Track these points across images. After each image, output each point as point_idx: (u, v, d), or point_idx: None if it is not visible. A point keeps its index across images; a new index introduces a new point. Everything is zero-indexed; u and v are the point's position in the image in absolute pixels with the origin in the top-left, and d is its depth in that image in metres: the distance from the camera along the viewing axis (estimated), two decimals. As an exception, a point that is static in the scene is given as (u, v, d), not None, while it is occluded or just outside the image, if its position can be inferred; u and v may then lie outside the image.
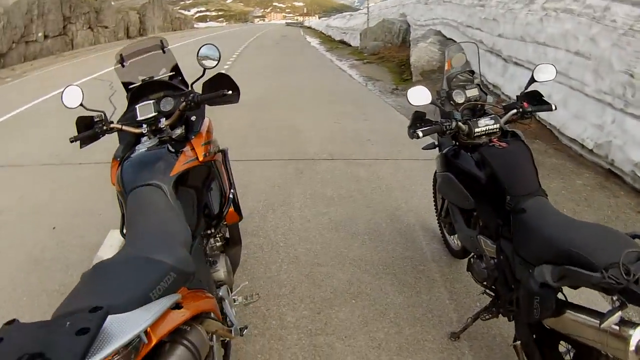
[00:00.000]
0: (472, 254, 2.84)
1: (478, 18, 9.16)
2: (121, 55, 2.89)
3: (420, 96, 2.61)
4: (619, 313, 1.73)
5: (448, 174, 2.80)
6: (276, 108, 8.57)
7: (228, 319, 2.40)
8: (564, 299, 2.05)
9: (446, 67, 3.03)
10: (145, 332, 1.41)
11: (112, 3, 36.68)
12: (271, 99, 9.36)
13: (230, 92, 2.63)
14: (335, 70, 11.89)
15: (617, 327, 1.72)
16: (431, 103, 2.67)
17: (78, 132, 2.62)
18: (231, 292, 2.79)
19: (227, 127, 7.37)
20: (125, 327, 1.33)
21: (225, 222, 2.88)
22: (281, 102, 9.08)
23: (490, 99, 2.90)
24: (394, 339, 2.88)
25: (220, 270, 2.64)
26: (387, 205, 4.39)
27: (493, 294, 2.63)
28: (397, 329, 2.96)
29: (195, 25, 51.54)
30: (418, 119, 2.57)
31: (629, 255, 1.70)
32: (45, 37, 23.81)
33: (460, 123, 2.58)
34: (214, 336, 2.15)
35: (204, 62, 2.73)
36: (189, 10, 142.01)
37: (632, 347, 1.66)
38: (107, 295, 1.52)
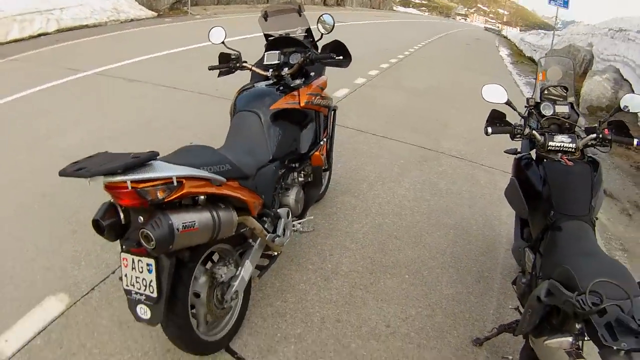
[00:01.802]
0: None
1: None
2: (266, 11, 3.43)
3: (495, 93, 2.58)
4: (569, 339, 1.63)
5: (514, 179, 2.72)
6: (435, 99, 8.48)
7: (276, 232, 2.72)
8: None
9: (540, 78, 2.87)
10: (179, 180, 1.82)
11: None
12: (433, 90, 9.26)
13: (340, 57, 3.03)
14: (509, 81, 11.23)
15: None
16: (505, 103, 2.59)
17: (219, 63, 3.20)
18: (296, 219, 3.08)
19: (381, 103, 7.57)
20: (165, 169, 1.81)
21: (310, 163, 3.18)
22: (442, 95, 8.94)
23: (582, 120, 2.68)
24: (422, 320, 2.89)
25: (290, 197, 2.99)
26: (488, 211, 4.23)
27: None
28: (430, 312, 2.95)
29: (394, 8, 50.88)
30: (496, 118, 2.52)
31: (607, 286, 1.56)
32: None
33: (535, 132, 2.50)
34: (258, 240, 2.56)
35: (320, 26, 3.22)
36: None
37: None
38: (175, 156, 2.06)
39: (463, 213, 4.19)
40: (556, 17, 17.78)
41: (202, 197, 2.01)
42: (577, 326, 1.65)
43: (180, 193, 1.84)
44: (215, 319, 2.46)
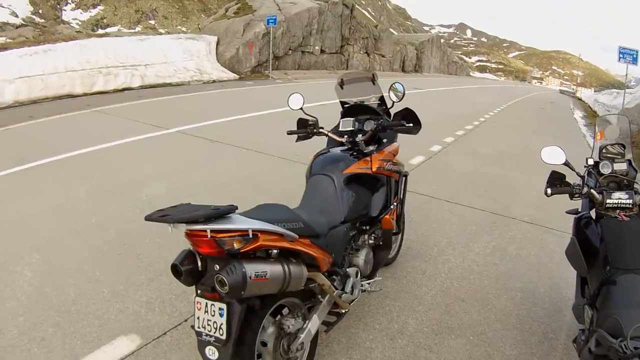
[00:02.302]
0: None
1: None
2: (342, 79, 3.75)
3: (553, 155, 2.73)
4: None
5: (574, 238, 2.82)
6: (507, 165, 8.52)
7: (344, 290, 2.94)
8: None
9: (598, 137, 2.98)
10: (255, 233, 2.11)
11: (394, 33, 35.77)
12: (505, 155, 9.27)
13: (410, 124, 3.31)
14: (582, 144, 10.88)
15: None
16: (564, 164, 2.73)
17: (297, 129, 3.54)
18: (365, 280, 3.31)
19: (454, 170, 7.74)
20: (243, 222, 2.11)
21: (380, 226, 3.42)
22: (514, 160, 8.96)
23: None
24: (485, 378, 3.00)
25: (359, 257, 3.23)
26: (555, 274, 4.28)
27: None
28: (493, 372, 3.06)
29: (471, 73, 50.35)
30: (556, 178, 2.68)
31: None
32: (322, 51, 24.85)
33: (593, 190, 2.61)
34: (326, 296, 2.79)
35: (392, 94, 3.50)
36: (470, 57, 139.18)
37: None
38: (252, 212, 2.37)
39: (530, 276, 4.27)
40: (626, 75, 17.26)
41: (275, 250, 2.24)
42: None
43: (255, 245, 2.08)
44: None
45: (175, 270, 2.09)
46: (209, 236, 1.96)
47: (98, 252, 4.13)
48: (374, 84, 3.72)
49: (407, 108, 3.41)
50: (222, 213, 2.03)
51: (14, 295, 3.40)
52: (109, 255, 4.09)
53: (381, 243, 3.49)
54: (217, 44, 19.38)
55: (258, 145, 8.07)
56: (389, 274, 4.22)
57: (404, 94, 3.51)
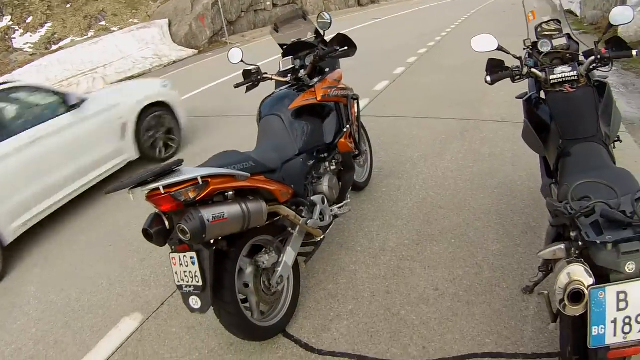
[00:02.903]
0: None
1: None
2: (275, 23, 3.74)
3: (485, 43, 2.58)
4: (561, 246, 1.67)
5: (526, 120, 2.71)
6: (473, 72, 8.25)
7: (314, 218, 2.90)
8: None
9: (531, 18, 2.83)
10: (204, 179, 2.10)
11: None
12: (470, 64, 9.01)
13: (345, 47, 3.24)
14: None
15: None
16: (497, 49, 2.57)
17: (244, 80, 3.48)
18: (334, 205, 3.26)
19: (420, 87, 7.54)
20: (191, 172, 2.09)
21: (338, 151, 3.35)
22: (480, 67, 8.66)
23: (584, 48, 2.62)
24: (470, 278, 2.93)
25: (323, 185, 3.17)
26: (532, 164, 4.10)
27: None
28: (478, 270, 2.98)
29: None
30: (494, 66, 2.54)
31: (597, 189, 1.59)
32: (274, 5, 23.99)
33: (534, 70, 2.49)
34: (297, 227, 2.78)
35: (320, 24, 3.45)
36: None
37: (558, 284, 1.58)
38: (202, 164, 2.39)
39: (506, 172, 4.14)
40: None
41: (230, 192, 2.30)
42: (572, 234, 1.66)
43: (208, 190, 2.12)
44: (268, 305, 2.67)
45: (146, 234, 2.15)
46: (162, 192, 2.00)
47: (91, 249, 4.18)
48: (305, 19, 3.73)
49: (339, 33, 3.33)
50: (169, 167, 2.05)
51: (23, 312, 3.47)
52: (101, 248, 4.14)
53: (342, 167, 3.45)
54: (170, 25, 19.11)
55: (225, 110, 7.96)
56: (364, 197, 4.10)
57: (330, 21, 3.45)
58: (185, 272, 2.19)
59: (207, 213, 2.08)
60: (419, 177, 4.31)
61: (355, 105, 3.69)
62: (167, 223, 2.18)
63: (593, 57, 2.40)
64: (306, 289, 3.04)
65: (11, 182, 4.14)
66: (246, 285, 2.48)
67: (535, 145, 2.64)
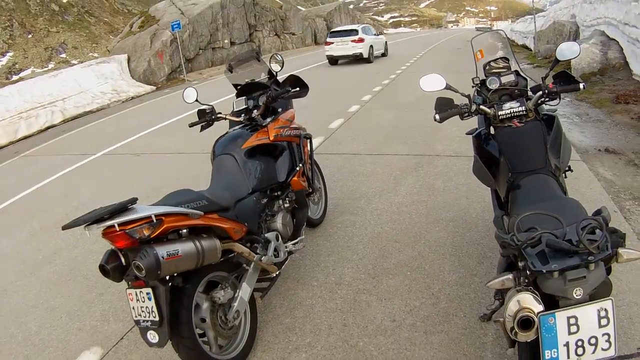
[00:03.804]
0: None
1: (634, 14, 8.05)
2: (229, 64, 3.82)
3: (433, 83, 2.69)
4: (509, 276, 1.71)
5: (476, 155, 2.79)
6: (427, 108, 8.53)
7: (268, 255, 2.89)
8: None
9: (479, 57, 2.95)
10: (158, 217, 2.14)
11: (301, 9, 35.71)
12: (424, 100, 9.32)
13: (296, 89, 3.38)
14: None
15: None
16: (445, 88, 2.68)
17: (198, 119, 3.53)
18: (289, 241, 3.27)
19: (374, 125, 7.69)
20: (145, 210, 2.13)
21: (291, 189, 3.40)
22: (431, 101, 8.96)
23: (531, 83, 2.75)
24: (427, 308, 2.93)
25: (277, 222, 3.20)
26: (486, 198, 4.18)
27: None
28: (435, 300, 2.99)
29: (384, 31, 51.01)
30: (442, 104, 2.62)
31: (543, 220, 1.65)
32: (232, 43, 24.61)
33: (483, 107, 2.59)
34: (251, 264, 2.79)
35: (273, 65, 3.54)
36: (382, 16, 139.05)
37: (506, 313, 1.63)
38: (156, 202, 2.42)
39: (461, 205, 4.23)
40: (532, 1, 17.85)
41: (184, 230, 2.33)
42: (521, 264, 1.70)
43: (162, 228, 2.16)
44: (226, 339, 2.64)
45: (103, 269, 2.15)
46: (117, 229, 2.04)
47: (49, 283, 4.06)
48: (258, 60, 3.86)
49: (291, 75, 3.48)
50: (124, 205, 2.09)
51: None
52: (59, 283, 4.04)
53: (296, 205, 3.49)
54: (128, 61, 19.25)
55: (180, 148, 7.92)
56: (319, 233, 4.09)
57: (283, 62, 3.55)
58: (142, 307, 2.19)
59: (162, 250, 2.10)
60: (373, 213, 4.34)
61: (308, 144, 3.77)
62: (123, 259, 2.18)
63: (540, 92, 2.52)
64: (264, 323, 2.98)
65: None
66: (203, 320, 2.48)
67: (486, 179, 2.71)
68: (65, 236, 4.75)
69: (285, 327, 2.94)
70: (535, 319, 1.59)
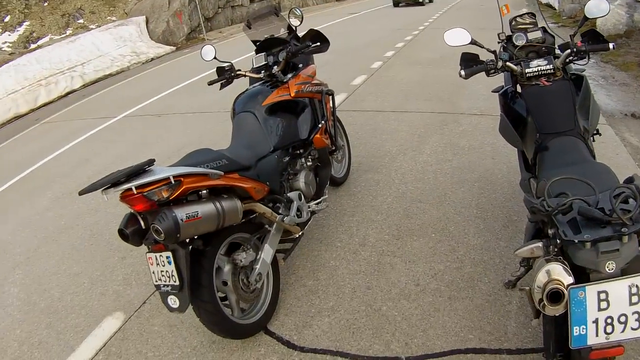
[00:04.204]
0: None
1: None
2: (248, 20, 3.69)
3: (457, 37, 2.55)
4: (538, 244, 1.62)
5: (502, 114, 2.67)
6: (451, 65, 8.26)
7: (290, 215, 2.83)
8: None
9: (505, 12, 2.79)
10: (177, 179, 2.05)
11: None
12: (448, 57, 8.98)
13: (317, 43, 3.21)
14: None
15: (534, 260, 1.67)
16: (470, 43, 2.53)
17: (217, 77, 3.41)
18: (312, 201, 3.20)
19: (398, 81, 7.49)
20: (163, 171, 2.03)
21: (314, 147, 3.30)
22: (457, 60, 8.66)
23: (559, 40, 2.59)
24: (451, 272, 2.88)
25: (299, 181, 3.11)
26: (512, 158, 4.09)
27: None
28: (459, 265, 2.94)
29: None
30: (468, 60, 2.48)
31: (574, 185, 1.54)
32: (251, 1, 23.60)
33: (509, 63, 2.45)
34: (274, 224, 2.73)
35: (292, 20, 3.43)
36: None
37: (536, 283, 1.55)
38: (174, 163, 2.34)
39: (486, 165, 4.11)
40: None
41: (204, 191, 2.23)
42: (550, 231, 1.61)
43: (181, 190, 2.06)
44: (248, 303, 2.61)
45: (122, 234, 2.11)
46: (135, 192, 1.96)
47: (72, 249, 4.04)
48: (277, 16, 3.72)
49: (311, 29, 3.30)
50: (141, 168, 2.00)
51: (6, 313, 3.36)
52: (82, 248, 4.01)
53: (319, 163, 3.39)
54: (147, 22, 18.69)
55: (202, 106, 7.78)
56: (343, 192, 4.03)
57: (302, 16, 3.44)
58: (162, 271, 2.13)
59: (181, 212, 2.03)
60: (397, 171, 4.26)
61: (330, 101, 3.63)
62: (142, 223, 2.12)
63: (569, 50, 2.36)
64: (286, 286, 2.96)
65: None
66: (225, 284, 2.44)
67: (513, 140, 2.59)
68: (87, 201, 4.78)
69: (308, 289, 2.92)
70: (565, 291, 1.51)
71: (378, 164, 4.45)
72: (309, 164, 3.25)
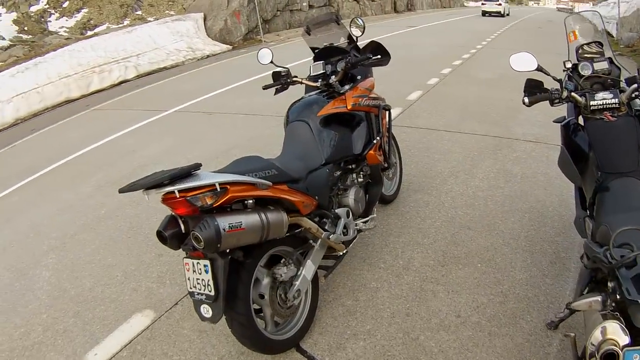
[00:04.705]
0: None
1: None
2: (307, 26, 3.61)
3: (523, 62, 2.45)
4: (597, 298, 1.53)
5: (563, 147, 2.56)
6: (507, 87, 8.03)
7: (337, 233, 2.77)
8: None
9: (572, 38, 2.67)
10: (223, 186, 2.00)
11: None
12: (505, 79, 8.74)
13: (378, 56, 3.09)
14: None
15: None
16: (537, 69, 2.44)
17: (273, 82, 3.38)
18: (359, 219, 3.15)
19: (453, 100, 7.36)
20: (209, 177, 1.99)
21: (366, 163, 3.22)
22: (513, 82, 8.39)
23: (625, 73, 2.47)
24: (494, 307, 2.81)
25: (349, 197, 3.04)
26: (565, 190, 3.97)
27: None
28: (503, 299, 2.86)
29: (465, 4, 47.69)
30: (532, 87, 2.40)
31: (627, 233, 1.46)
32: (310, 6, 23.60)
33: (574, 94, 2.34)
34: (318, 240, 2.68)
35: (353, 30, 3.36)
36: None
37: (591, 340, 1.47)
38: (221, 169, 2.27)
39: (538, 196, 3.99)
40: None
41: (250, 201, 2.17)
42: (610, 284, 1.54)
43: (226, 198, 1.99)
44: (283, 318, 2.57)
45: (160, 236, 2.04)
46: (177, 196, 1.90)
47: (109, 240, 4.08)
48: (338, 24, 3.59)
49: (373, 41, 3.18)
50: (186, 171, 1.93)
51: (35, 296, 3.42)
52: (119, 240, 4.05)
53: (370, 180, 3.31)
54: (205, 19, 18.90)
55: (254, 109, 7.78)
56: (391, 210, 4.00)
57: (364, 27, 3.36)
58: (198, 279, 2.09)
59: (224, 222, 1.96)
60: (448, 194, 4.20)
61: (387, 116, 3.56)
62: (182, 226, 2.06)
63: (636, 85, 2.24)
64: (324, 303, 2.94)
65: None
66: (262, 297, 2.37)
67: (572, 175, 2.50)
68: (127, 194, 4.93)
69: (346, 309, 2.89)
70: (620, 353, 1.43)
71: (429, 185, 4.40)
72: (360, 180, 3.19)
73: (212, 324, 2.20)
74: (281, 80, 3.32)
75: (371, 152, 3.19)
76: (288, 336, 2.56)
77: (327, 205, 2.78)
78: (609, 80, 2.44)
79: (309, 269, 2.57)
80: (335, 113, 3.01)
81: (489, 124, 5.97)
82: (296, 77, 3.33)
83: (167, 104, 8.99)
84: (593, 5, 29.67)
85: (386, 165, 3.53)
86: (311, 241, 2.68)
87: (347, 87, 3.19)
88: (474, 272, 3.12)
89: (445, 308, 2.83)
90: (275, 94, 3.43)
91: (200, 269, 2.08)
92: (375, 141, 3.26)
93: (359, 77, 3.31)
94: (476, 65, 10.12)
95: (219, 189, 1.97)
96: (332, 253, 2.87)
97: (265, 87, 3.39)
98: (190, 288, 2.14)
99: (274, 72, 3.38)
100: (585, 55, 2.60)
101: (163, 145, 6.59)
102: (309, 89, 3.34)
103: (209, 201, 1.96)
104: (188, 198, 1.91)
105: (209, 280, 2.05)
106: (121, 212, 4.57)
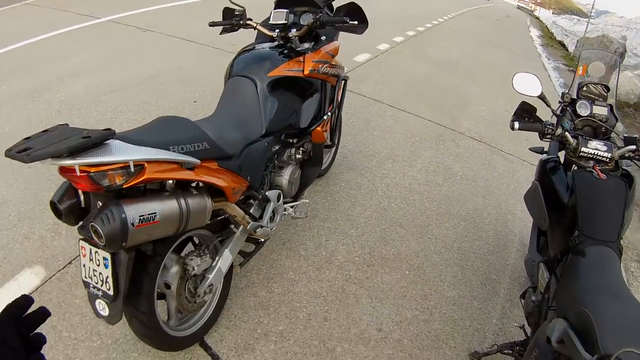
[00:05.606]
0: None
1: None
2: None
3: (527, 84, 2.19)
4: None
5: (537, 183, 2.34)
6: (458, 73, 7.87)
7: (264, 219, 2.39)
8: None
9: (580, 72, 2.43)
10: (139, 164, 1.50)
11: None
12: (457, 63, 8.53)
13: (355, 22, 2.57)
14: (537, 63, 10.28)
15: None
16: (538, 97, 2.19)
17: (223, 19, 2.79)
18: (290, 201, 2.77)
19: (401, 73, 7.08)
20: (122, 150, 1.46)
21: (310, 139, 2.81)
22: (466, 70, 8.18)
23: (620, 126, 2.28)
24: (418, 325, 2.59)
25: (283, 177, 2.62)
26: (503, 204, 3.85)
27: (529, 332, 2.19)
28: (428, 317, 2.64)
29: None
30: (525, 111, 2.11)
31: (629, 356, 1.22)
32: None
33: (568, 134, 2.09)
34: (240, 226, 2.23)
35: None
36: None
37: None
38: (139, 132, 1.67)
39: (476, 204, 3.81)
40: (592, 5, 16.62)
41: (169, 181, 1.72)
42: None
43: (141, 179, 1.52)
44: (188, 313, 2.17)
45: (55, 208, 1.59)
46: (77, 172, 1.42)
47: (7, 168, 3.39)
48: None
49: (352, 2, 2.66)
50: (94, 141, 1.41)
51: None
52: (17, 169, 3.38)
53: (310, 158, 2.91)
54: None
55: (192, 34, 7.02)
56: (320, 187, 3.65)
57: None
58: (95, 270, 1.65)
59: (134, 213, 1.52)
60: (382, 180, 3.91)
61: (343, 89, 3.14)
62: (82, 199, 1.61)
63: (634, 147, 2.02)
64: (234, 290, 2.57)
65: None
66: (167, 286, 1.97)
67: (539, 216, 2.27)
68: (38, 109, 4.23)
69: (258, 301, 2.54)
70: None
71: (364, 165, 4.08)
72: (297, 157, 2.76)
73: (108, 324, 1.81)
74: (232, 20, 2.75)
75: (318, 128, 2.78)
76: (192, 331, 2.19)
77: (257, 187, 2.33)
78: (602, 129, 2.22)
79: (225, 260, 2.18)
80: (289, 76, 2.52)
81: (435, 109, 5.73)
82: (250, 19, 2.77)
83: (102, 10, 7.98)
84: (553, 14, 30.43)
85: (330, 143, 3.14)
86: (232, 226, 2.26)
87: (306, 45, 2.69)
88: (401, 280, 2.88)
89: (366, 317, 2.57)
90: (221, 33, 2.87)
91: (98, 260, 1.64)
92: (325, 117, 2.85)
93: (323, 38, 2.83)
94: (430, 42, 9.84)
95: (132, 169, 1.49)
96: (253, 236, 2.43)
97: (212, 24, 2.80)
98: (85, 277, 1.70)
99: (225, 8, 2.80)
100: (588, 94, 2.35)
101: (87, 58, 5.76)
102: (261, 37, 2.81)
103: (118, 181, 1.48)
104: (91, 174, 1.43)
105: (107, 277, 1.63)
106: (25, 134, 3.81)
